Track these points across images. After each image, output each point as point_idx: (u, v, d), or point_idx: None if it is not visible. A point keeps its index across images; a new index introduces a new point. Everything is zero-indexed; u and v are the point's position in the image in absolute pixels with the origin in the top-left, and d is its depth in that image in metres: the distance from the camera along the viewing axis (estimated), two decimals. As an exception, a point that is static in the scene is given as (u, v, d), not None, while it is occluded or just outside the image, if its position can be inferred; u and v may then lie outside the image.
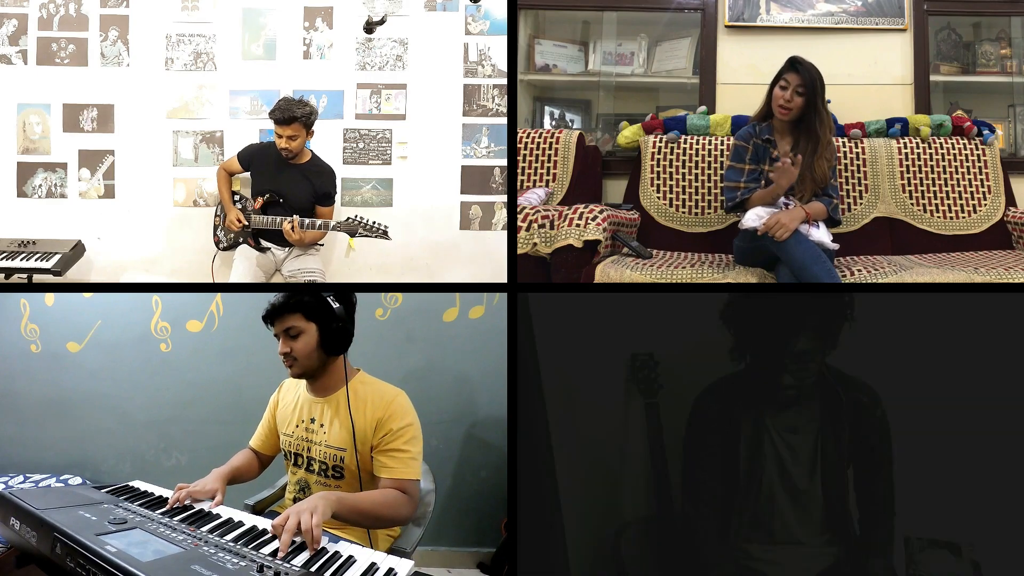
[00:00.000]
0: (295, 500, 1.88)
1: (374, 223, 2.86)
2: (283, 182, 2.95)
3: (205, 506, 1.67)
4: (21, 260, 2.90)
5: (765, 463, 1.78)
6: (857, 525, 1.89)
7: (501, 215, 3.21)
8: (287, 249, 3.01)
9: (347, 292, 1.87)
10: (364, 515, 1.67)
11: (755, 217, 2.53)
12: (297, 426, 1.90)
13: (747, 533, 1.84)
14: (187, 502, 1.67)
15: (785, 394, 1.78)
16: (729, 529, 1.81)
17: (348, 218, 2.88)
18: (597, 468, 2.19)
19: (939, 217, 3.13)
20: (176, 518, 1.56)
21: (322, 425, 1.85)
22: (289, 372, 1.85)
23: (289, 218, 2.87)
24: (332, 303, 1.79)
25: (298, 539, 1.44)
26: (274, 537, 1.46)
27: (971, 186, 3.16)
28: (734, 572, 1.78)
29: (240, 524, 1.56)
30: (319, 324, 1.80)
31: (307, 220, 2.88)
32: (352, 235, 2.87)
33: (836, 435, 1.76)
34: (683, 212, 3.15)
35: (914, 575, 1.93)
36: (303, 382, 1.94)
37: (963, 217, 3.13)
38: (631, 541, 2.03)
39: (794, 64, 2.56)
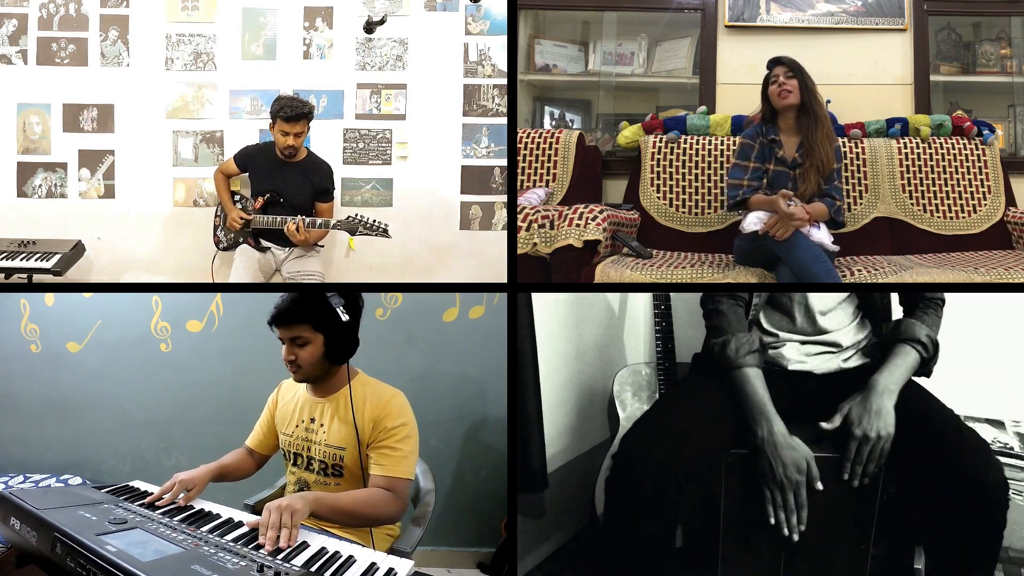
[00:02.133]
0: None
1: (374, 221, 2.86)
2: (282, 181, 2.95)
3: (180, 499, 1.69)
4: (21, 260, 2.90)
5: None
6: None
7: (501, 215, 3.21)
8: (287, 249, 3.01)
9: (356, 298, 1.86)
10: (344, 514, 1.66)
11: (756, 220, 2.53)
12: (297, 426, 1.90)
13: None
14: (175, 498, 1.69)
15: None
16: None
17: (348, 216, 2.88)
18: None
19: (939, 217, 3.13)
20: (176, 518, 1.56)
21: (322, 425, 1.85)
22: (292, 377, 1.85)
23: (293, 218, 2.87)
24: (341, 314, 1.76)
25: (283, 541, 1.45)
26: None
27: (971, 186, 3.15)
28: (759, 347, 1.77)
29: (240, 524, 1.56)
30: (326, 335, 1.78)
31: (308, 219, 2.88)
32: (352, 233, 2.87)
33: None
34: (683, 212, 3.15)
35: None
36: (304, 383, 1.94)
37: (963, 217, 3.12)
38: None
39: (776, 59, 2.63)
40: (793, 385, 1.77)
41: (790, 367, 1.81)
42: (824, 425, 1.68)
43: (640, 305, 2.56)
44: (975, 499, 1.52)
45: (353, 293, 1.86)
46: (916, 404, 1.69)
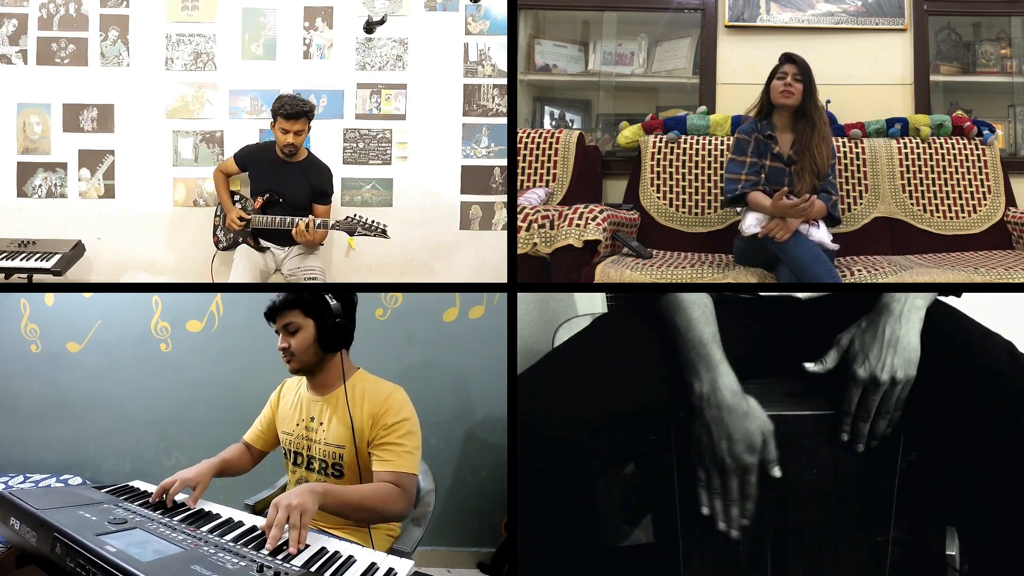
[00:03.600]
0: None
1: (373, 222, 2.86)
2: (282, 181, 2.95)
3: (180, 497, 1.67)
4: (21, 260, 2.90)
5: None
6: None
7: (501, 215, 3.21)
8: (287, 249, 3.01)
9: (345, 291, 1.89)
10: (353, 508, 1.65)
11: (755, 222, 2.54)
12: (297, 425, 1.90)
13: None
14: (175, 496, 1.67)
15: None
16: None
17: (347, 217, 2.88)
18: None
19: (939, 217, 3.13)
20: (176, 518, 1.56)
21: (321, 423, 1.86)
22: (288, 367, 1.86)
23: (296, 219, 2.87)
24: (330, 300, 1.82)
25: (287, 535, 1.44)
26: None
27: (971, 186, 3.15)
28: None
29: (240, 524, 1.55)
30: (316, 320, 1.82)
31: (312, 220, 2.89)
32: (351, 234, 2.87)
33: None
34: (683, 212, 3.15)
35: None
36: (303, 381, 1.94)
37: (963, 217, 3.12)
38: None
39: (789, 56, 2.62)
40: (767, 316, 1.31)
41: (763, 292, 1.37)
42: (810, 366, 1.22)
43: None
44: None
45: (345, 293, 1.89)
46: (945, 326, 1.23)
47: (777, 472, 1.18)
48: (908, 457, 1.27)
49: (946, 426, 1.24)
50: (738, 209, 2.68)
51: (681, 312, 1.23)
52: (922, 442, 1.30)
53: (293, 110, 2.84)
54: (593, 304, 2.09)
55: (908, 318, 1.22)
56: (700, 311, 1.24)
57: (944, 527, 1.47)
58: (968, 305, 2.34)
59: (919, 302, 1.24)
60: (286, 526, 1.44)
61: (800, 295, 1.42)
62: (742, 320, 1.34)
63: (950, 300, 1.47)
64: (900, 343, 1.20)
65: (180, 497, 1.69)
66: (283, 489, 2.06)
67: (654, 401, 1.24)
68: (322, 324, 1.82)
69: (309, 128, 2.93)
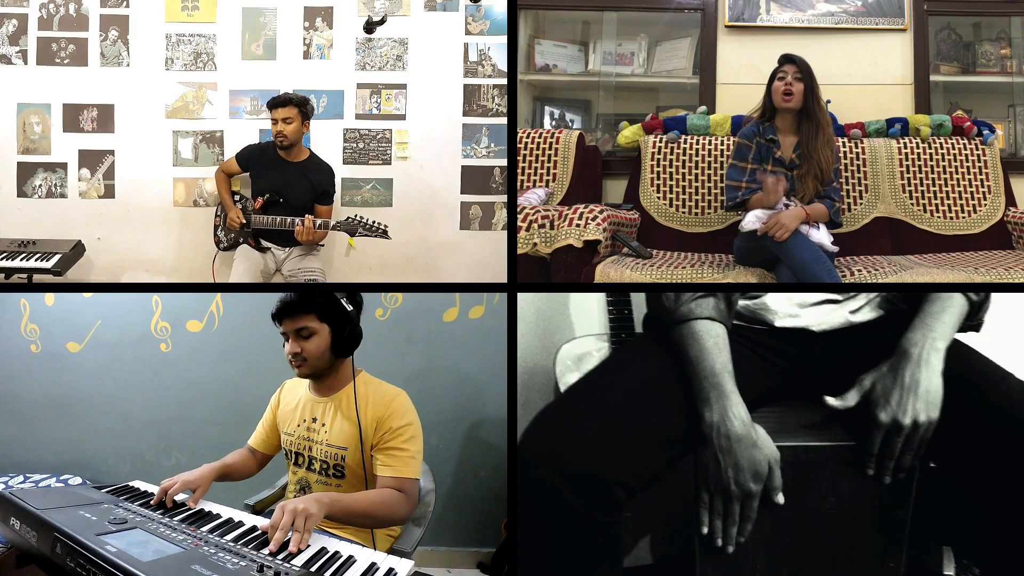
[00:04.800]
0: (295, 500, 1.87)
1: (374, 222, 2.87)
2: (283, 181, 2.95)
3: (180, 498, 1.67)
4: (21, 260, 2.90)
5: None
6: None
7: (501, 215, 3.21)
8: (287, 249, 3.01)
9: (355, 293, 1.88)
10: (359, 516, 1.66)
11: (755, 219, 2.53)
12: (299, 425, 1.90)
13: None
14: (175, 496, 1.66)
15: None
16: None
17: (348, 217, 2.88)
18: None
19: (939, 217, 3.13)
20: (176, 518, 1.56)
21: (324, 424, 1.85)
22: (296, 372, 1.85)
23: (299, 219, 2.87)
24: (345, 304, 1.80)
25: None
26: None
27: (971, 186, 3.15)
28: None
29: (240, 524, 1.55)
30: (332, 326, 1.80)
31: (314, 220, 2.89)
32: (352, 234, 2.87)
33: None
34: (683, 212, 3.15)
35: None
36: (306, 381, 1.94)
37: (963, 217, 3.12)
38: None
39: (788, 57, 2.62)
40: (783, 350, 1.35)
41: (778, 323, 1.35)
42: (832, 401, 1.24)
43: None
44: None
45: (355, 296, 1.87)
46: (961, 368, 1.25)
47: (780, 499, 1.21)
48: (922, 489, 1.30)
49: (963, 466, 1.28)
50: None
51: (694, 342, 1.24)
52: (937, 475, 1.34)
53: (276, 99, 2.89)
54: (589, 323, 2.10)
55: (928, 361, 1.22)
56: (713, 341, 1.25)
57: (941, 546, 1.51)
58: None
59: (939, 344, 1.24)
60: (290, 530, 1.44)
61: (815, 328, 1.41)
62: (757, 351, 1.37)
63: (969, 337, 1.44)
64: (921, 387, 1.21)
65: (180, 497, 1.68)
66: (283, 489, 2.06)
67: (677, 431, 1.26)
68: (337, 330, 1.80)
69: (307, 125, 2.94)
